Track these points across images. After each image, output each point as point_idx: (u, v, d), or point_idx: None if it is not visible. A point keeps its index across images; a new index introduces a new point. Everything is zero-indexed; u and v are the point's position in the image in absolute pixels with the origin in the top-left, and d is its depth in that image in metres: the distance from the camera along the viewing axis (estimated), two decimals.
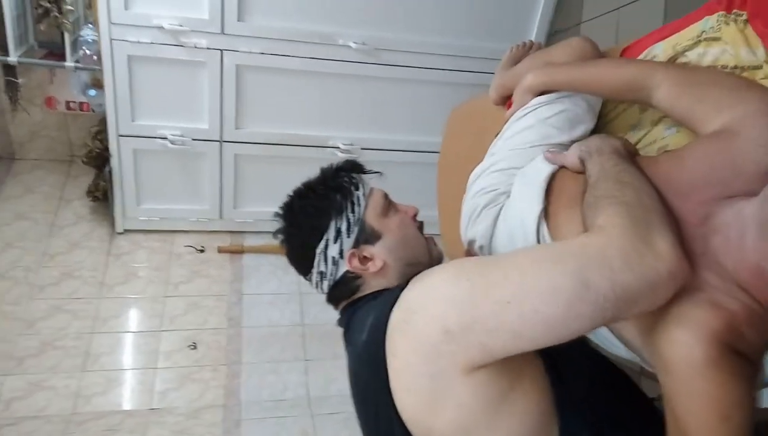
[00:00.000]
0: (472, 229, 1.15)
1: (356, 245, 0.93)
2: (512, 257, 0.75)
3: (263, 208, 2.85)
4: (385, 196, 0.99)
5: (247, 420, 2.20)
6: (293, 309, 2.64)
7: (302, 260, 0.96)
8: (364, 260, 0.92)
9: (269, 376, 2.39)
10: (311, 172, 3.15)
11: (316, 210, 0.94)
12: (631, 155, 0.88)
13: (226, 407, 2.25)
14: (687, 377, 0.69)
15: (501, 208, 1.08)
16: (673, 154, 0.83)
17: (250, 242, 2.87)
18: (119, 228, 2.75)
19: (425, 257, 0.97)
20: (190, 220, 2.82)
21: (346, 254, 0.92)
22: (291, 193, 1.00)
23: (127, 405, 2.22)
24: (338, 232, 0.92)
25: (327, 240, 0.93)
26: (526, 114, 1.14)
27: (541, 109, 1.13)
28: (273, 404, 2.30)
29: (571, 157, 0.95)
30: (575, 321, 0.68)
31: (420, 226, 1.01)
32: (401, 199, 1.04)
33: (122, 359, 2.35)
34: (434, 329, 0.73)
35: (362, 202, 0.95)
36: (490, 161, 1.17)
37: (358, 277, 0.93)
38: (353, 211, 0.94)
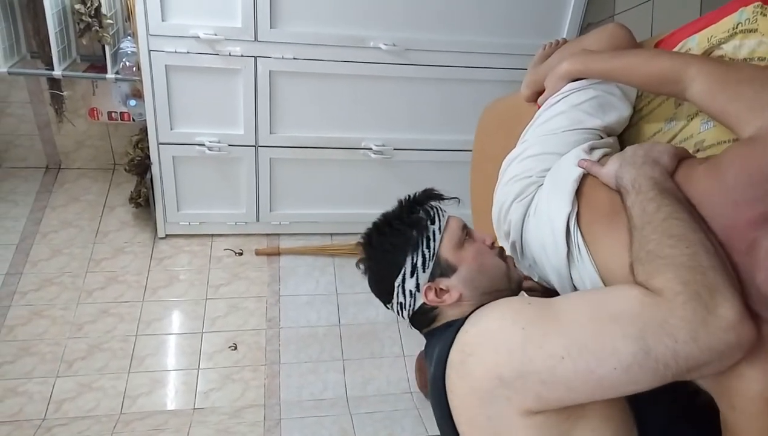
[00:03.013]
0: (504, 223, 1.15)
1: (432, 278, 0.94)
2: (571, 309, 0.75)
3: (299, 210, 2.89)
4: (463, 226, 0.99)
5: (287, 419, 2.24)
6: (330, 310, 2.67)
7: (382, 291, 0.99)
8: (440, 292, 0.94)
9: (308, 376, 2.43)
10: (345, 174, 3.17)
11: (392, 246, 0.96)
12: (671, 181, 0.82)
13: (266, 406, 2.29)
14: (757, 412, 0.68)
15: (531, 201, 1.08)
16: (712, 168, 0.79)
17: (286, 244, 2.91)
18: (161, 233, 2.83)
19: (504, 283, 0.97)
20: (228, 223, 2.88)
21: (422, 287, 0.94)
22: (371, 226, 1.02)
23: (171, 405, 2.28)
24: (414, 267, 0.94)
25: (404, 274, 0.95)
26: (558, 100, 1.14)
27: (573, 96, 1.12)
28: (312, 404, 2.34)
29: (606, 175, 0.92)
30: (631, 384, 0.68)
31: (500, 252, 1.00)
32: None
33: (166, 361, 2.42)
34: (488, 374, 0.74)
35: (437, 237, 0.95)
36: (522, 148, 1.16)
37: (434, 308, 0.95)
38: (428, 247, 0.95)
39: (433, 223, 0.97)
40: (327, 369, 2.46)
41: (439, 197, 1.02)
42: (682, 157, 0.87)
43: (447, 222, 0.98)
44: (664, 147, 0.88)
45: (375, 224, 1.02)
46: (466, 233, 0.99)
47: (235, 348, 2.47)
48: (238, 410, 2.28)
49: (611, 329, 0.68)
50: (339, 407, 2.33)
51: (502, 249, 1.01)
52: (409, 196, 1.02)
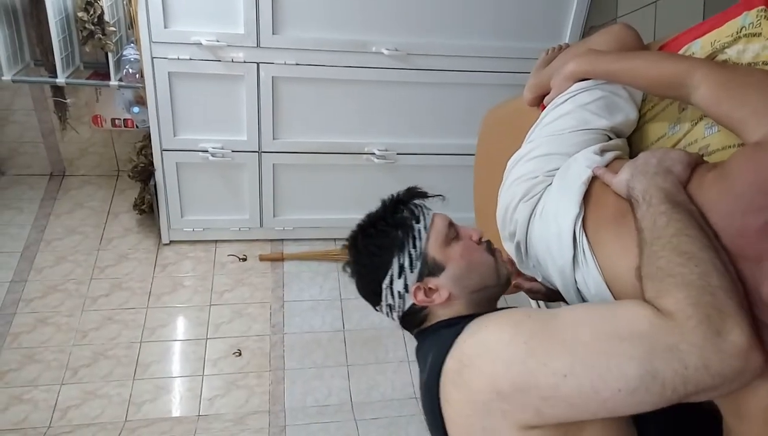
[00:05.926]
0: (510, 224, 1.14)
1: (420, 278, 0.92)
2: (575, 324, 0.73)
3: (302, 215, 2.90)
4: (449, 223, 0.97)
5: (291, 426, 2.23)
6: (334, 315, 2.66)
7: (370, 294, 0.98)
8: (430, 291, 0.92)
9: (313, 381, 2.42)
10: (348, 179, 3.16)
11: (378, 248, 0.94)
12: (683, 193, 0.80)
13: (271, 412, 2.29)
14: (765, 424, 0.67)
15: (537, 201, 1.07)
16: (720, 176, 0.77)
17: (289, 249, 2.91)
18: (165, 239, 2.83)
19: (493, 280, 0.96)
20: (231, 229, 2.88)
21: (411, 287, 0.92)
22: (356, 228, 1.00)
23: (176, 412, 2.28)
24: (401, 267, 0.92)
25: (391, 276, 0.93)
26: (565, 100, 1.13)
27: (580, 96, 1.11)
28: (317, 410, 2.33)
29: (618, 185, 0.90)
30: (635, 406, 0.67)
31: (487, 246, 0.98)
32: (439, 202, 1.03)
33: (171, 367, 2.42)
34: (486, 386, 0.73)
35: (423, 236, 0.94)
36: (528, 148, 1.15)
37: (424, 308, 0.93)
38: (414, 246, 0.93)
39: (418, 221, 0.95)
40: (331, 375, 2.46)
41: (423, 195, 1.00)
42: (696, 164, 0.84)
43: (432, 220, 0.96)
44: (678, 155, 0.85)
45: (359, 225, 1.00)
46: (452, 229, 0.97)
47: (240, 354, 2.47)
48: (243, 416, 2.27)
49: (618, 349, 0.67)
50: (343, 413, 2.32)
51: (489, 242, 0.99)
52: (393, 195, 1.00)
